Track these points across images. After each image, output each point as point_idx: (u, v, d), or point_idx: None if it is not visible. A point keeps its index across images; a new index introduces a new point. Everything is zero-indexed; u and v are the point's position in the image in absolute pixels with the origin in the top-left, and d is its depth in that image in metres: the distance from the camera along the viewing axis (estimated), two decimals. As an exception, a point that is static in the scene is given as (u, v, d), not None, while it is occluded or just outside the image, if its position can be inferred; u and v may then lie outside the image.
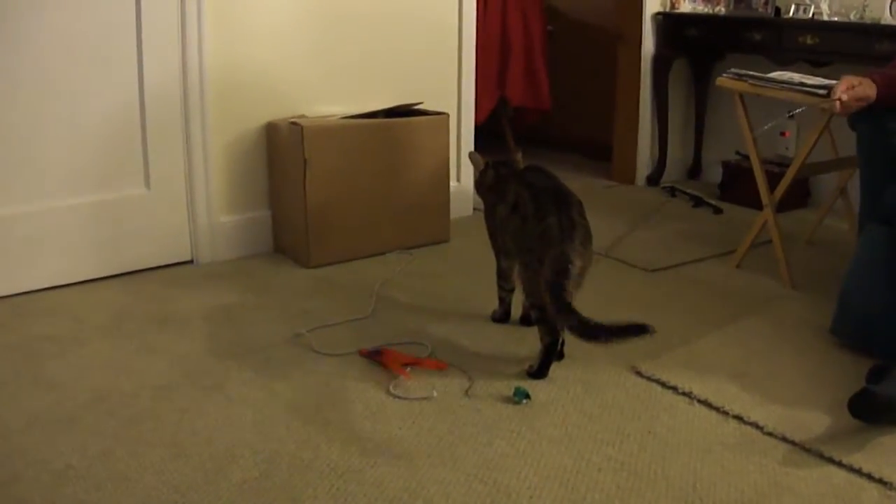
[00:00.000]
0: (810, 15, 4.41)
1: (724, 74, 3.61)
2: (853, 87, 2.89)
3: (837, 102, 2.90)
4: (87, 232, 3.41)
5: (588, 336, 2.43)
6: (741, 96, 3.56)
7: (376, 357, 2.75)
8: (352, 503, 2.03)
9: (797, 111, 4.04)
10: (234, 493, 2.06)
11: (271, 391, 2.57)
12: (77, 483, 2.08)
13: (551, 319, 2.58)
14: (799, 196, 4.75)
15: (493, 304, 3.11)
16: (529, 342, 2.80)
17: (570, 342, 2.76)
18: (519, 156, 3.01)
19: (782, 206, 3.67)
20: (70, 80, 3.28)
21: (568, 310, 2.45)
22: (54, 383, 2.59)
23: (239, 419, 2.41)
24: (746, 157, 4.17)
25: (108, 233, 3.46)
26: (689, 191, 4.99)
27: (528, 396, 2.54)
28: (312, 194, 3.56)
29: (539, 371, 2.67)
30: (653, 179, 5.29)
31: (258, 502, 2.03)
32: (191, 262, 3.69)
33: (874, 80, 2.90)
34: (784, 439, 2.33)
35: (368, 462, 2.20)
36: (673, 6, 5.06)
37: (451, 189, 4.13)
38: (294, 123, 3.57)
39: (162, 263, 3.62)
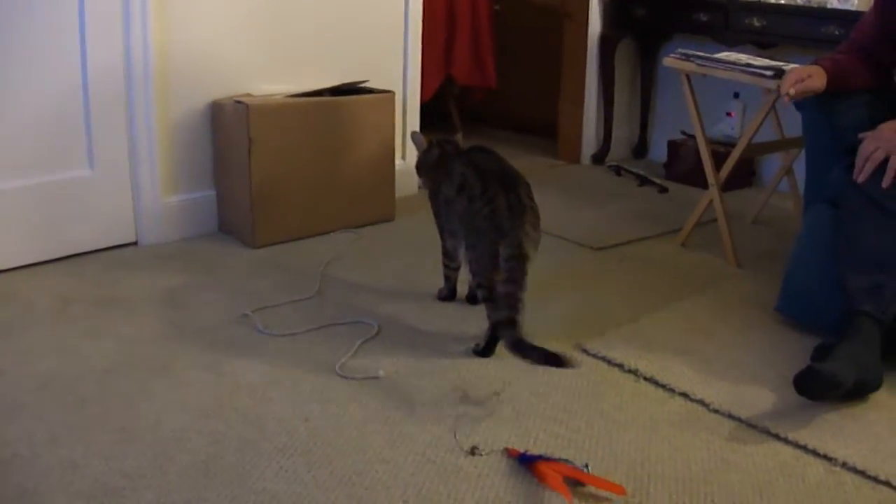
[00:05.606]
0: (757, -4, 4.44)
1: (671, 55, 3.63)
2: (802, 80, 2.88)
3: (786, 97, 2.90)
4: (30, 215, 3.34)
5: (516, 351, 2.59)
6: (688, 76, 3.59)
7: (529, 465, 2.12)
8: (300, 484, 2.03)
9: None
10: (183, 477, 2.04)
11: (218, 372, 2.55)
12: (24, 471, 2.05)
13: (497, 299, 2.60)
14: (744, 176, 4.79)
15: (439, 283, 3.11)
16: (475, 320, 2.80)
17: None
18: (459, 136, 3.01)
19: (728, 186, 3.70)
20: (11, 61, 3.20)
21: (510, 321, 2.57)
22: (-3, 368, 2.56)
23: (186, 401, 2.39)
24: (692, 137, 4.19)
25: (51, 215, 3.39)
26: (634, 170, 5.01)
27: None
28: (258, 174, 3.53)
29: (485, 349, 2.67)
30: (598, 158, 5.30)
31: (207, 484, 2.02)
32: (135, 243, 3.64)
33: (825, 68, 2.89)
34: (730, 416, 2.36)
35: (316, 442, 2.20)
36: (620, -14, 5.07)
37: (397, 167, 4.11)
38: (239, 102, 3.54)
39: (106, 245, 3.56)
